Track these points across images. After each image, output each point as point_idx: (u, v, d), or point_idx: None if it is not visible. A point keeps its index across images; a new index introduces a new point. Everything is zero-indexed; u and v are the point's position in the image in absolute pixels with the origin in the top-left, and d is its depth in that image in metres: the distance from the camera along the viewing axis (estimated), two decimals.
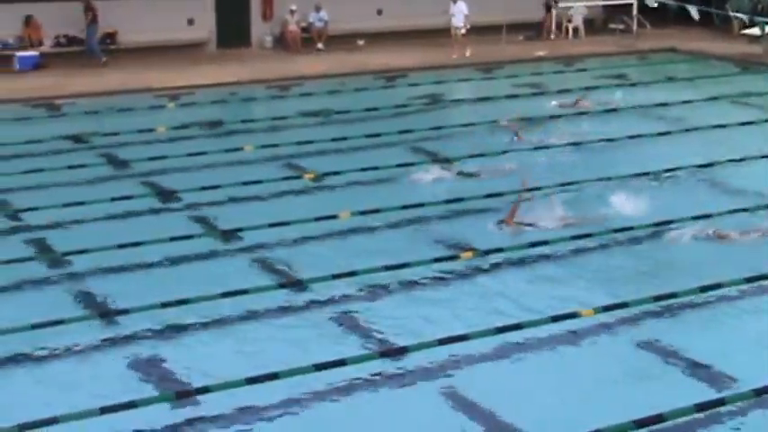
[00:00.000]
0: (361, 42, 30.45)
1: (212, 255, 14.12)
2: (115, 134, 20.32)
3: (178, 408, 9.98)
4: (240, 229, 14.78)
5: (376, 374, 10.63)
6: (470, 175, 17.51)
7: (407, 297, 12.74)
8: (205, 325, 11.84)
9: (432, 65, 27.92)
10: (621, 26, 32.37)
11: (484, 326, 11.50)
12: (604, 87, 25.24)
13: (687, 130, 20.90)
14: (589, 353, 11.28)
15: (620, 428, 9.40)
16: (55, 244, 14.46)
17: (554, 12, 31.87)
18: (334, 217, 15.17)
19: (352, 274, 13.02)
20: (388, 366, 10.78)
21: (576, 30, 32.06)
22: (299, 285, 12.91)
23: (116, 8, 27.47)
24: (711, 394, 10.18)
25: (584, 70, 27.78)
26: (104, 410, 9.65)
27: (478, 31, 30.04)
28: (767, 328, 11.91)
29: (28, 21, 26.88)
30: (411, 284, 13.03)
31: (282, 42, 29.73)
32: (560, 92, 24.42)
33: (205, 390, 10.15)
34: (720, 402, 10.01)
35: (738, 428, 9.74)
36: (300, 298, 12.60)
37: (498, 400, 10.11)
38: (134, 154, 19.03)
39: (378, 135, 20.26)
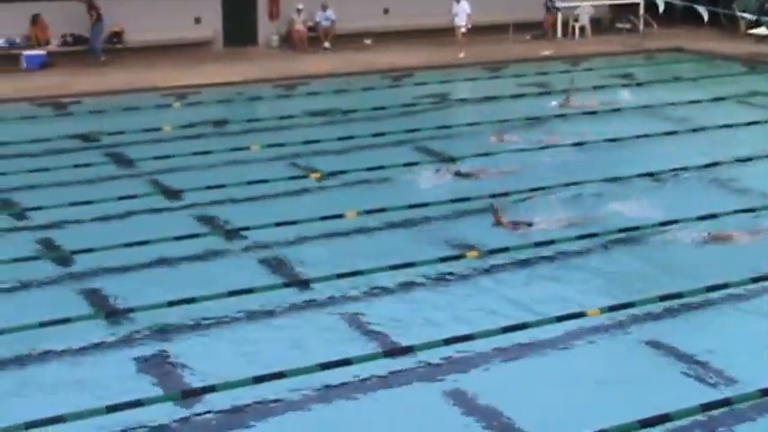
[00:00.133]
0: (367, 41, 30.44)
1: (218, 254, 14.13)
2: (121, 133, 20.34)
3: (184, 407, 10.00)
4: (246, 229, 14.79)
5: (381, 374, 10.63)
6: (476, 174, 17.49)
7: (413, 297, 12.75)
8: (211, 324, 11.86)
9: (438, 64, 27.90)
10: (628, 26, 32.34)
11: (489, 326, 11.50)
12: (610, 87, 25.21)
13: (693, 130, 20.88)
14: (594, 353, 11.28)
15: (625, 428, 9.39)
16: (61, 243, 14.50)
17: (554, 12, 31.78)
18: (339, 216, 15.18)
19: (357, 273, 13.03)
20: (393, 366, 10.79)
21: (582, 29, 32.03)
22: (304, 285, 12.92)
23: (123, 7, 27.51)
24: (717, 395, 10.18)
25: (590, 70, 27.76)
26: (110, 409, 9.68)
27: (485, 30, 30.06)
28: None
29: (35, 20, 26.91)
30: (416, 284, 13.04)
31: (289, 41, 29.73)
32: (566, 91, 24.38)
33: (211, 389, 10.17)
34: (726, 403, 10.00)
35: (744, 429, 9.72)
36: (306, 297, 12.61)
37: (503, 399, 10.12)
38: (140, 153, 19.06)
39: (384, 134, 20.26)
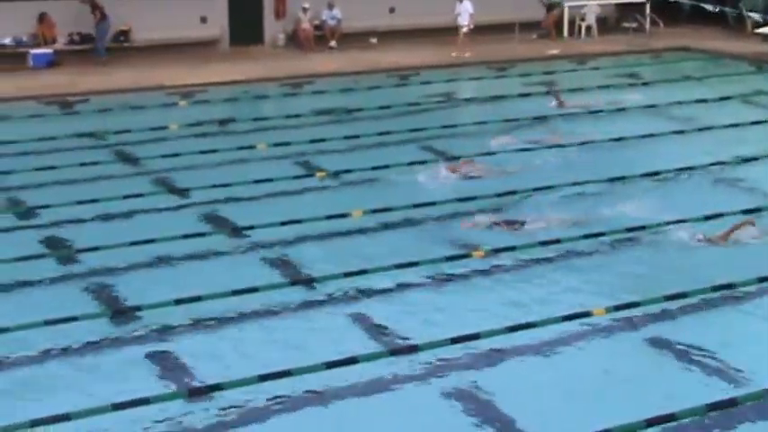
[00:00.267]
0: (373, 40, 30.45)
1: (223, 252, 14.15)
2: (128, 132, 20.37)
3: (190, 404, 10.01)
4: (251, 227, 14.81)
5: (387, 373, 10.64)
6: (482, 173, 17.48)
7: (418, 296, 12.75)
8: (216, 322, 11.88)
9: (444, 63, 27.92)
10: (635, 25, 32.28)
11: (494, 325, 11.50)
12: (616, 86, 25.20)
13: (700, 130, 20.85)
14: (600, 352, 11.28)
15: (630, 428, 9.39)
16: (67, 241, 14.53)
17: (555, 12, 31.73)
18: (345, 215, 15.19)
19: (363, 272, 13.04)
20: (398, 365, 10.80)
21: (588, 28, 32.00)
22: (309, 283, 12.93)
23: (129, 6, 27.55)
24: (723, 394, 10.16)
25: (596, 69, 27.75)
26: (116, 407, 9.69)
27: (491, 29, 30.05)
28: None
29: (41, 18, 26.96)
30: (422, 283, 13.04)
31: (295, 40, 29.74)
32: (572, 90, 24.40)
33: (217, 387, 10.18)
34: (732, 402, 9.99)
35: (750, 428, 9.72)
36: (311, 296, 12.62)
37: (508, 399, 10.12)
38: (146, 151, 19.09)
39: (390, 133, 20.26)
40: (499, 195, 16.13)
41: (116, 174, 17.93)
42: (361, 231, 14.92)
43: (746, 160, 18.36)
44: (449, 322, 11.79)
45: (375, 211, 15.41)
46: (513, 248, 13.90)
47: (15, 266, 13.30)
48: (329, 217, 15.05)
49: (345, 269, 13.08)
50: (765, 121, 21.38)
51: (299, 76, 26.17)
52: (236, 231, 14.86)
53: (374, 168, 17.60)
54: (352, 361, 10.64)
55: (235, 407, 9.96)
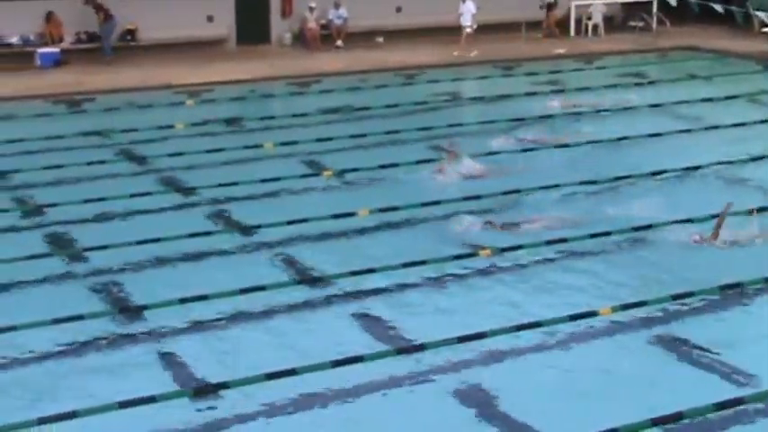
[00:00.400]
0: (380, 39, 30.46)
1: (231, 251, 14.16)
2: (134, 130, 20.40)
3: (197, 403, 10.03)
4: (259, 226, 14.82)
5: (393, 371, 10.64)
6: (488, 172, 17.48)
7: (425, 294, 12.75)
8: (223, 321, 11.89)
9: (451, 62, 27.93)
10: (641, 24, 32.27)
11: (501, 324, 11.50)
12: (623, 85, 25.18)
13: (706, 129, 20.83)
14: (607, 351, 11.26)
15: (637, 427, 9.38)
16: (75, 239, 14.55)
17: (554, 11, 31.66)
18: (351, 214, 15.19)
19: (370, 271, 13.05)
20: (405, 363, 10.80)
21: (595, 27, 31.98)
22: (316, 282, 12.94)
23: (136, 5, 27.58)
24: (730, 393, 10.15)
25: (603, 68, 27.73)
26: (123, 405, 9.71)
27: (498, 28, 30.04)
28: None
29: (49, 17, 27.01)
30: (429, 282, 13.04)
31: (302, 39, 29.77)
32: (579, 89, 24.40)
33: (224, 385, 10.19)
34: (740, 401, 9.98)
35: (757, 428, 9.70)
36: (318, 294, 12.63)
37: (516, 397, 10.13)
38: (153, 150, 19.11)
39: (397, 132, 20.27)
40: (505, 194, 16.13)
41: (122, 173, 17.96)
42: (368, 230, 14.92)
43: (753, 159, 18.33)
44: (455, 321, 11.79)
45: (381, 210, 15.41)
46: (519, 248, 13.89)
47: (22, 265, 13.32)
48: (336, 216, 15.06)
49: (352, 268, 13.09)
50: None
51: (306, 75, 26.19)
52: (243, 230, 14.87)
53: (381, 167, 17.61)
54: (357, 360, 10.65)
55: (240, 405, 9.96)
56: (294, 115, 22.09)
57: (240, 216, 15.48)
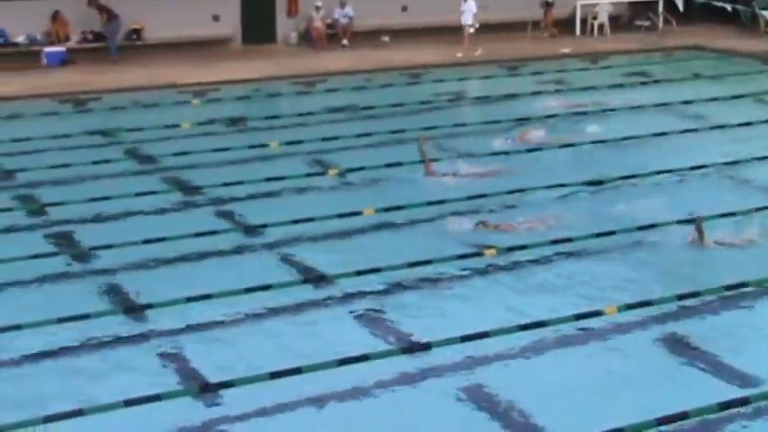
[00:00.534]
0: (386, 39, 30.47)
1: (236, 250, 14.18)
2: (140, 130, 20.43)
3: (202, 401, 10.05)
4: (264, 225, 14.84)
5: (398, 370, 10.65)
6: (493, 172, 17.48)
7: (430, 294, 12.77)
8: (229, 320, 11.90)
9: (456, 61, 27.93)
10: (647, 23, 32.24)
11: (507, 323, 11.51)
12: (629, 85, 25.16)
13: (711, 128, 20.81)
14: (612, 351, 11.25)
15: (642, 426, 9.38)
16: (80, 238, 14.58)
17: (552, 10, 31.63)
18: (357, 213, 15.21)
19: (375, 270, 13.06)
20: (410, 362, 10.81)
21: (601, 27, 31.95)
22: (322, 281, 12.95)
23: (142, 4, 27.61)
24: (735, 393, 10.14)
25: (609, 67, 27.71)
26: (128, 403, 9.73)
27: (503, 28, 30.04)
28: None
29: (55, 16, 27.05)
30: (434, 281, 13.05)
31: (307, 38, 29.78)
32: (585, 89, 24.39)
33: (228, 384, 10.21)
34: (745, 401, 9.97)
35: (762, 427, 9.69)
36: (323, 294, 12.64)
37: (521, 397, 10.12)
38: (159, 150, 19.14)
39: (402, 131, 20.27)
40: (512, 192, 16.12)
41: (128, 171, 17.98)
42: (373, 229, 14.93)
43: (759, 159, 18.30)
44: (459, 321, 11.79)
45: (387, 209, 15.42)
46: (524, 247, 13.89)
47: (27, 264, 13.34)
48: (341, 215, 15.07)
49: (356, 267, 13.10)
50: None
51: (312, 74, 26.20)
52: (248, 229, 14.89)
53: (386, 166, 17.61)
54: (362, 359, 10.65)
55: (245, 404, 9.98)
56: (300, 114, 22.11)
57: (245, 215, 15.49)
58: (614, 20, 32.43)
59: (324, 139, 19.59)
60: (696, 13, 33.04)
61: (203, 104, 23.33)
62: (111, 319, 11.86)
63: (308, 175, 17.57)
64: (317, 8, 29.41)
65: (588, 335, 11.48)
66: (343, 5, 29.70)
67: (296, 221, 14.80)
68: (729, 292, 12.47)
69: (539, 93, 24.07)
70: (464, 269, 13.38)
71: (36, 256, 13.61)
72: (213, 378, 10.47)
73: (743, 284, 12.62)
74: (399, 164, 17.68)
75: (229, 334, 11.64)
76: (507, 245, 13.94)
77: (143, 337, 11.50)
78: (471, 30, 28.73)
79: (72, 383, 10.50)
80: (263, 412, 9.90)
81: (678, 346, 11.29)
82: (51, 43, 27.00)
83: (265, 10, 29.71)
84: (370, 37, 29.95)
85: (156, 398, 9.86)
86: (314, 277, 13.12)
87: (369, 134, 20.05)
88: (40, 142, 19.42)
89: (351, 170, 17.66)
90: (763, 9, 31.54)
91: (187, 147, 19.00)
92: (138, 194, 16.13)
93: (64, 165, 17.78)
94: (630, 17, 33.22)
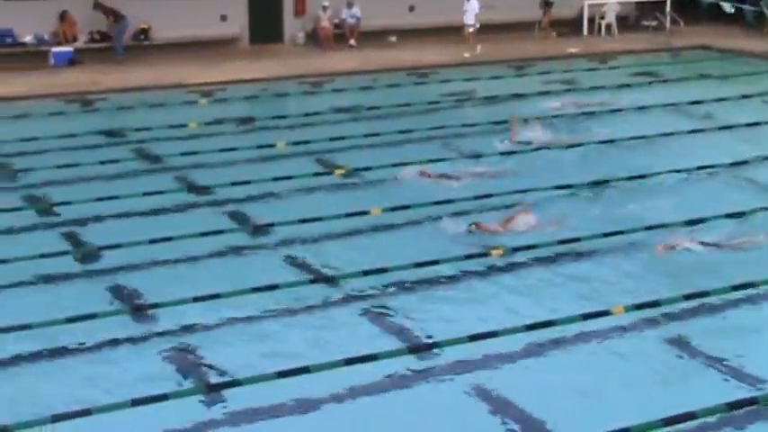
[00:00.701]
0: (393, 39, 30.48)
1: (243, 250, 14.19)
2: (148, 129, 20.46)
3: (209, 401, 10.06)
4: (271, 225, 14.85)
5: (405, 370, 10.66)
6: (499, 171, 17.47)
7: (437, 293, 12.76)
8: (236, 319, 11.91)
9: (463, 61, 27.93)
10: (655, 23, 32.22)
11: (513, 323, 11.51)
12: (636, 85, 25.14)
13: (719, 128, 20.78)
14: (619, 351, 11.24)
15: (649, 427, 9.37)
16: (87, 238, 14.60)
17: (550, 10, 31.57)
18: (364, 213, 15.21)
19: (382, 270, 13.06)
20: (417, 362, 10.82)
21: (608, 27, 31.94)
22: (329, 281, 12.96)
23: (149, 4, 27.67)
24: (743, 393, 10.13)
25: (616, 67, 27.70)
26: (136, 402, 9.76)
27: (511, 27, 30.03)
28: None
29: (63, 16, 27.11)
30: (441, 281, 13.05)
31: (315, 39, 29.80)
32: (593, 89, 24.36)
33: (236, 383, 10.22)
34: (752, 401, 9.96)
35: None
36: (331, 294, 12.65)
37: (527, 397, 10.12)
38: (166, 149, 19.15)
39: (409, 131, 20.27)
40: (518, 192, 16.11)
41: (135, 171, 18.01)
42: (380, 229, 14.93)
43: (766, 159, 18.26)
44: (467, 320, 11.79)
45: (394, 208, 15.42)
46: (532, 247, 13.88)
47: (36, 263, 13.36)
48: (348, 214, 15.08)
49: (365, 267, 13.11)
50: None
51: (319, 74, 26.22)
52: (256, 229, 14.90)
53: (393, 166, 17.60)
54: (370, 358, 10.66)
55: (252, 403, 9.99)
56: (307, 114, 22.12)
57: (253, 215, 15.50)
58: (622, 20, 32.42)
59: (331, 139, 19.60)
60: (703, 13, 33.01)
61: (210, 104, 23.36)
62: (119, 319, 11.87)
63: (316, 174, 17.58)
64: (325, 8, 29.43)
65: (596, 334, 11.46)
66: (350, 5, 29.72)
67: (303, 221, 14.81)
68: (737, 293, 12.45)
69: (546, 93, 24.05)
70: (471, 269, 13.37)
71: (44, 256, 13.62)
72: (220, 378, 10.48)
73: (750, 285, 12.60)
74: (406, 164, 17.65)
75: (237, 333, 11.65)
76: (514, 245, 13.92)
77: (150, 336, 11.50)
78: (471, 29, 28.71)
79: (80, 383, 10.51)
80: (270, 412, 9.91)
81: (686, 345, 11.27)
82: (59, 43, 27.05)
83: (272, 10, 29.75)
84: (377, 37, 29.97)
85: (163, 397, 9.88)
86: (321, 276, 13.12)
87: (376, 134, 20.05)
88: (48, 142, 19.46)
89: (358, 170, 17.66)
90: None
91: (194, 147, 19.03)
92: (145, 194, 16.15)
93: (71, 164, 17.80)
94: (638, 17, 33.22)
